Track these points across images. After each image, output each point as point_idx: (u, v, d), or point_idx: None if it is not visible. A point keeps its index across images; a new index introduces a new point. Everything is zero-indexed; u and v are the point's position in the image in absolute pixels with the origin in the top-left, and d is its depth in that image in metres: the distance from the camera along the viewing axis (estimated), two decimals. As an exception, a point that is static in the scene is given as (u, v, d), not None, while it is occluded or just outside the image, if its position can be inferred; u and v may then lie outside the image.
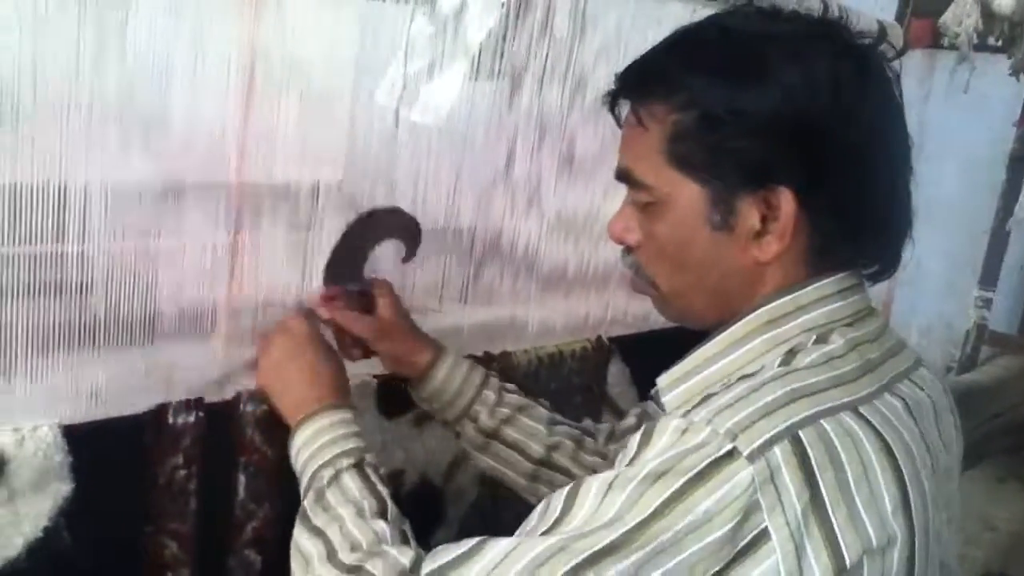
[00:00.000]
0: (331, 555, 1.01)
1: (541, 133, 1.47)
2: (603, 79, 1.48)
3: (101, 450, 1.15)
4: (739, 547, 0.82)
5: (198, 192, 1.14)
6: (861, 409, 0.90)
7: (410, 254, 1.38)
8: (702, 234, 0.97)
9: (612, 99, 1.02)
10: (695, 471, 0.82)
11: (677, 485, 0.82)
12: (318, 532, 1.04)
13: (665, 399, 1.00)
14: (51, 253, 1.06)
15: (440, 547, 0.93)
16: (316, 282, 1.29)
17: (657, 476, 0.83)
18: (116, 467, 1.17)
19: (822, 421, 0.87)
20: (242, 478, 1.29)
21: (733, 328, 0.98)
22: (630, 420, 1.35)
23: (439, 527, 1.57)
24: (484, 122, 1.39)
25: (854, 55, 0.95)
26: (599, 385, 1.71)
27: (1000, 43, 2.44)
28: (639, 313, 1.73)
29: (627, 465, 0.87)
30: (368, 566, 0.97)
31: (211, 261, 1.19)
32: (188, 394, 1.22)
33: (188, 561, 1.26)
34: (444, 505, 1.57)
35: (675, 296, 1.03)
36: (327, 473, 1.09)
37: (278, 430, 1.26)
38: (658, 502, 0.82)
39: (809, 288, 0.97)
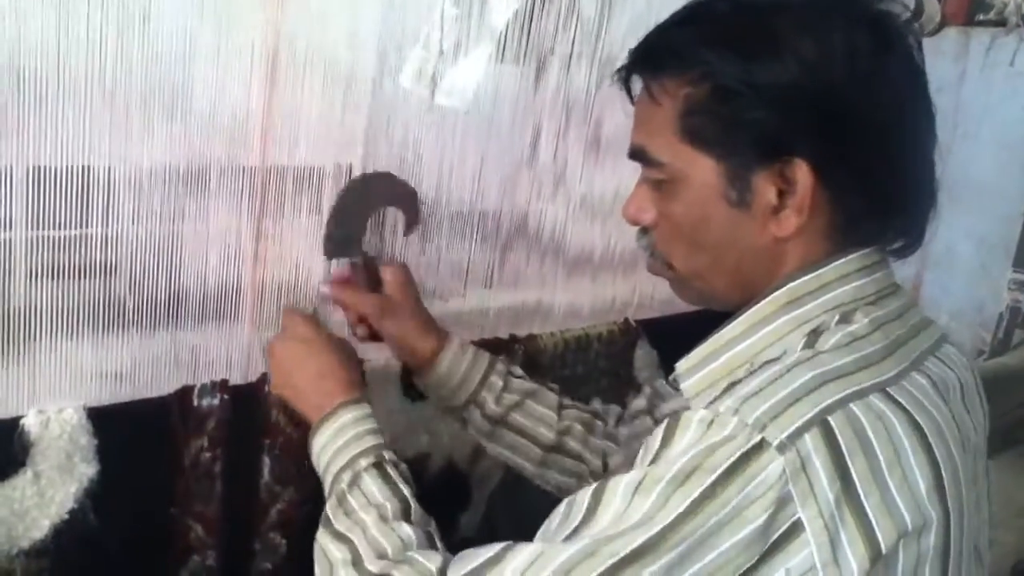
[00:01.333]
0: (356, 562, 0.98)
1: (568, 115, 1.45)
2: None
3: (126, 432, 1.16)
4: (772, 540, 0.80)
5: (222, 175, 1.14)
6: (890, 390, 0.88)
7: (411, 224, 1.35)
8: (718, 211, 0.94)
9: (625, 75, 1.00)
10: (724, 467, 0.80)
11: (707, 483, 0.80)
12: (342, 537, 1.02)
13: (684, 384, 0.98)
14: (75, 236, 1.06)
15: (465, 552, 0.91)
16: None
17: (686, 476, 0.81)
18: (141, 449, 1.18)
19: (851, 405, 0.84)
20: (267, 460, 1.29)
21: (753, 309, 0.95)
22: (640, 402, 1.31)
23: (465, 510, 1.57)
24: (510, 104, 1.37)
25: (871, 23, 0.92)
26: (626, 368, 1.70)
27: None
28: (666, 297, 1.71)
29: (652, 463, 0.84)
30: (396, 573, 0.94)
31: (236, 244, 1.19)
32: (213, 376, 1.22)
33: (213, 544, 1.27)
34: (470, 488, 1.57)
35: (693, 277, 1.00)
36: (347, 476, 1.06)
37: (303, 413, 1.27)
38: (688, 502, 0.80)
39: (831, 266, 0.94)
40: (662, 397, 1.30)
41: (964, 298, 2.86)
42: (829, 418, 0.83)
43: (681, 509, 0.80)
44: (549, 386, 1.33)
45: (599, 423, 1.32)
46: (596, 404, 1.37)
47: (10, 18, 0.96)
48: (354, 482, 1.05)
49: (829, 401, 0.84)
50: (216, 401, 1.23)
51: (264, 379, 1.27)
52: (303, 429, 1.24)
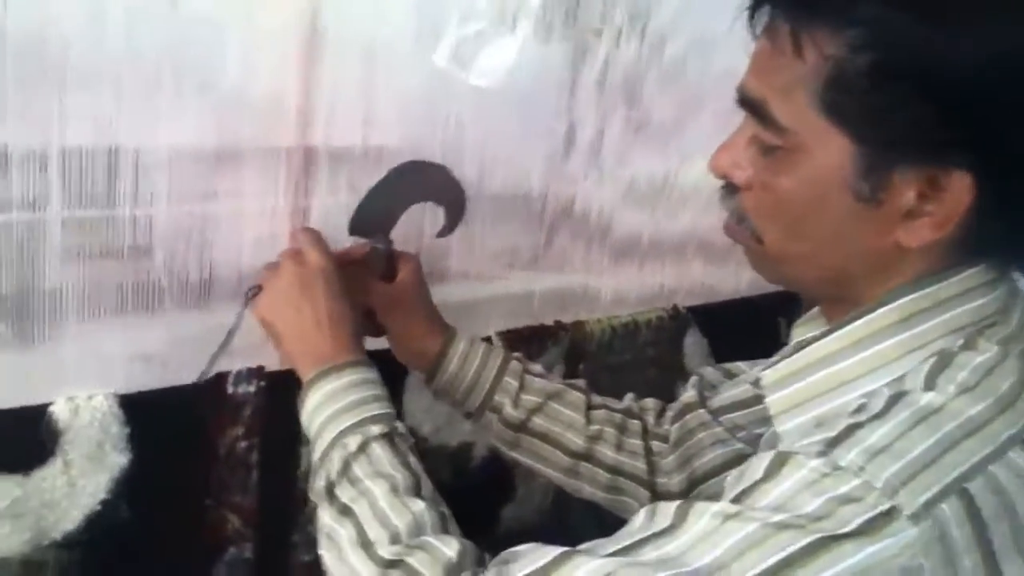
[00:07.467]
0: (364, 542, 0.89)
1: (614, 96, 1.40)
2: (683, 38, 1.41)
3: (159, 420, 1.12)
4: None
5: (257, 155, 1.10)
6: None
7: (448, 228, 1.27)
8: (838, 201, 0.79)
9: (756, 6, 0.81)
10: (843, 530, 0.68)
11: (809, 540, 0.69)
12: (345, 510, 0.92)
13: (770, 399, 0.87)
14: (104, 217, 1.02)
15: (508, 552, 0.81)
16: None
17: (784, 526, 0.69)
18: (175, 438, 1.14)
19: (991, 467, 0.73)
20: (305, 450, 1.26)
21: (857, 324, 0.82)
22: (690, 394, 1.20)
23: (509, 502, 1.53)
24: (555, 84, 1.32)
25: None
26: (675, 357, 1.65)
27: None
28: (715, 285, 1.66)
29: (743, 495, 0.73)
30: (411, 560, 0.85)
31: (271, 225, 1.14)
32: (249, 362, 1.19)
33: (251, 536, 1.23)
34: (514, 480, 1.53)
35: (782, 259, 0.86)
36: (354, 440, 0.95)
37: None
38: (782, 556, 0.68)
39: (951, 280, 0.80)
40: (713, 386, 1.21)
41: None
42: (968, 485, 0.72)
43: (774, 561, 0.69)
44: (576, 385, 1.22)
45: (633, 422, 1.21)
46: (628, 400, 1.25)
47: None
48: (363, 448, 0.95)
49: (967, 465, 0.73)
50: (252, 388, 1.19)
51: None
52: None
